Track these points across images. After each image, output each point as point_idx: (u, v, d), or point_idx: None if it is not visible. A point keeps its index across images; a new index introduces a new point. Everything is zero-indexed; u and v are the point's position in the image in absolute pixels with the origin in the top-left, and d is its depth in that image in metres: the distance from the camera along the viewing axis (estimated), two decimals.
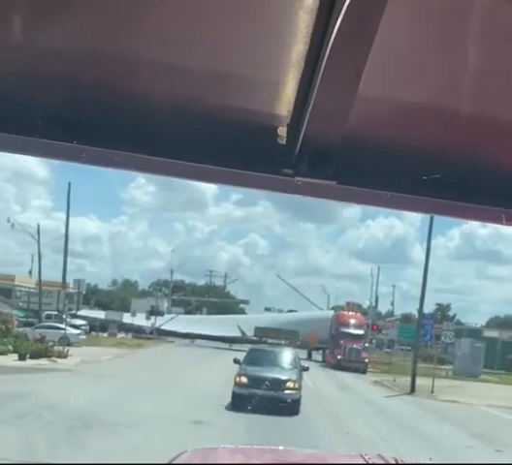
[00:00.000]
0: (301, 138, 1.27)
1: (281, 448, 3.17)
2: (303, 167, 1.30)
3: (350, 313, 48.40)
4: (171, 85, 1.28)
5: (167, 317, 60.41)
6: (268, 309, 70.64)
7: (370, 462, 2.30)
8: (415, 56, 1.26)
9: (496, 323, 68.47)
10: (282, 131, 1.32)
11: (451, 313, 72.55)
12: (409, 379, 31.14)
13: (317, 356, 46.70)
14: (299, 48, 1.19)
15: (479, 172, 1.43)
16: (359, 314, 50.40)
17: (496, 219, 1.50)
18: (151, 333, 54.20)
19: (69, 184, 49.00)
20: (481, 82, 1.29)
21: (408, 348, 40.84)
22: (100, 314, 55.92)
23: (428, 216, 36.45)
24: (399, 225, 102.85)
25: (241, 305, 76.70)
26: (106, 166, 1.39)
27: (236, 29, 1.20)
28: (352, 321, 45.60)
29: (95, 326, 49.20)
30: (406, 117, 1.35)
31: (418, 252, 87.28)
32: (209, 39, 1.21)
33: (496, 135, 1.38)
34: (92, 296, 65.96)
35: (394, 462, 2.32)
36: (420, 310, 35.23)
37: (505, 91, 1.31)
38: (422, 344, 36.21)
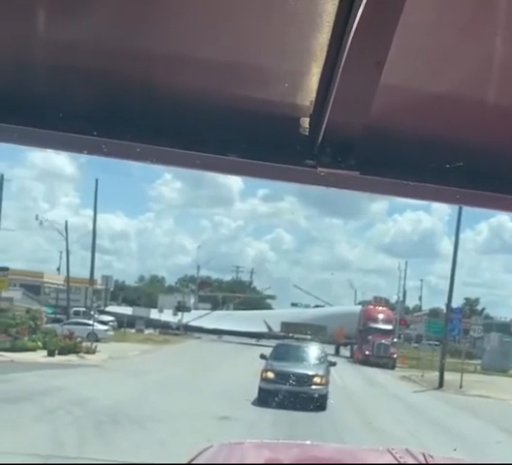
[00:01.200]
0: (323, 128, 1.26)
1: (308, 442, 3.13)
2: (325, 157, 1.29)
3: (378, 308, 47.90)
4: (192, 77, 1.27)
5: (194, 313, 60.68)
6: (294, 304, 70.61)
7: (398, 456, 2.26)
8: (438, 45, 1.24)
9: None
10: (304, 121, 1.30)
11: (479, 307, 71.84)
12: (437, 374, 30.90)
13: (345, 351, 46.37)
14: (320, 38, 1.18)
15: (506, 162, 1.39)
16: (387, 309, 49.98)
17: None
18: (178, 329, 54.45)
19: (96, 181, 49.39)
20: (506, 71, 1.26)
21: (436, 343, 40.52)
22: (127, 310, 56.36)
23: (456, 209, 36.15)
24: (426, 218, 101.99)
25: (268, 300, 76.75)
26: (127, 158, 1.38)
27: (256, 20, 1.20)
28: (380, 316, 45.09)
29: (123, 323, 49.59)
30: (429, 107, 1.33)
31: (446, 246, 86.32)
32: (230, 30, 1.21)
33: None
34: (120, 293, 66.53)
35: (422, 457, 2.29)
36: (448, 304, 34.90)
37: None
38: (450, 339, 35.79)
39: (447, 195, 1.44)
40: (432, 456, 2.32)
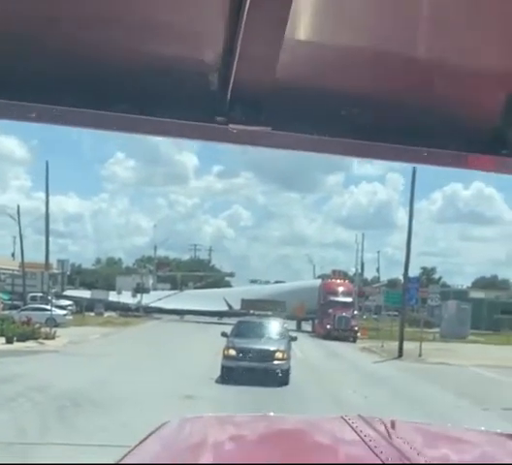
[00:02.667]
0: (230, 85, 1.27)
1: (261, 414, 3.13)
2: (236, 114, 1.30)
3: (338, 281, 48.12)
4: (101, 35, 1.25)
5: (153, 293, 60.45)
6: (254, 281, 70.98)
7: (351, 422, 2.28)
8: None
9: (482, 283, 69.41)
10: (213, 79, 1.31)
11: (436, 276, 73.40)
12: (397, 344, 31.46)
13: (307, 326, 46.70)
14: None
15: (413, 115, 1.42)
16: (347, 281, 50.36)
17: (455, 163, 1.50)
18: (138, 311, 54.23)
19: (47, 163, 48.52)
20: (410, 23, 1.29)
21: (395, 313, 41.17)
22: (85, 294, 55.78)
23: (410, 180, 36.52)
24: (382, 190, 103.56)
25: (228, 278, 76.88)
26: (48, 122, 1.34)
27: None
28: (340, 289, 45.35)
29: (81, 307, 49.11)
30: (336, 61, 1.35)
31: (402, 217, 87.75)
32: None
33: (441, 78, 1.37)
34: (77, 276, 65.67)
35: (374, 421, 2.32)
36: (405, 274, 35.39)
37: (444, 33, 1.30)
38: (408, 308, 36.39)
39: (358, 149, 1.45)
40: (382, 420, 2.36)
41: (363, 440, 2.06)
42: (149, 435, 2.37)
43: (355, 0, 1.26)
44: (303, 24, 1.26)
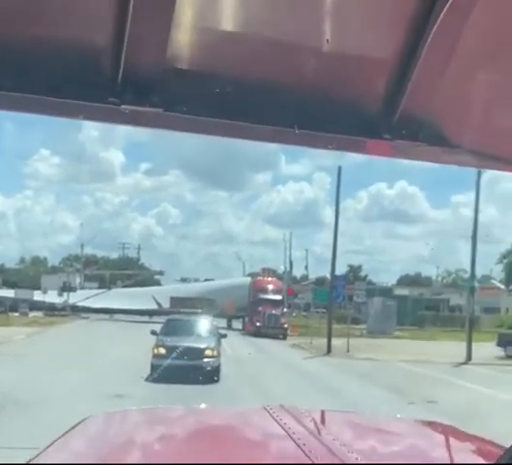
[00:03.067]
0: (122, 67, 1.29)
1: (183, 406, 3.12)
2: (128, 95, 1.31)
3: (267, 279, 48.54)
4: None
5: (81, 292, 59.27)
6: (184, 279, 70.54)
7: (272, 412, 2.31)
8: None
9: (407, 281, 71.29)
10: (105, 61, 1.32)
11: (363, 273, 74.80)
12: (326, 340, 31.96)
13: (237, 324, 46.71)
14: None
15: (317, 100, 1.44)
16: (276, 279, 50.81)
17: (358, 148, 1.54)
18: (64, 310, 53.04)
19: None
20: (305, 12, 1.31)
21: (324, 310, 41.80)
22: (9, 293, 54.13)
23: (336, 179, 37.16)
24: (308, 189, 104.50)
25: (157, 277, 76.19)
26: None
27: None
28: (269, 286, 45.77)
29: (5, 306, 47.64)
30: (229, 45, 1.35)
31: (329, 215, 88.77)
32: None
33: (333, 64, 1.40)
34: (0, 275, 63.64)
35: (295, 410, 2.35)
36: (332, 272, 36.06)
37: (332, 24, 1.34)
38: (336, 305, 37.04)
39: (253, 132, 1.47)
40: (304, 410, 2.40)
41: (284, 430, 2.08)
42: (68, 431, 2.31)
43: None
44: (190, 7, 1.27)
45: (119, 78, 1.31)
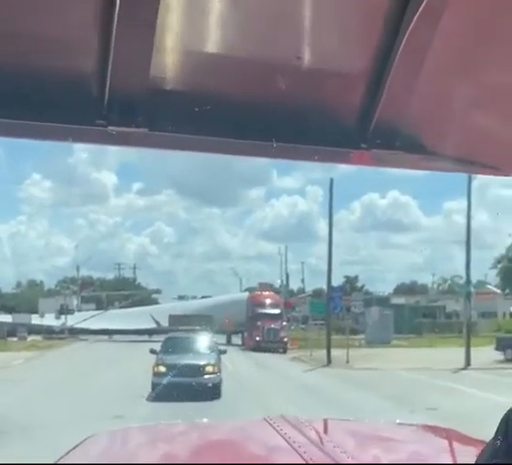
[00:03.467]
0: (107, 89, 1.35)
1: (186, 422, 3.17)
2: (114, 116, 1.38)
3: (265, 293, 48.18)
4: None
5: (78, 314, 59.00)
6: (181, 297, 70.36)
7: (273, 422, 2.32)
8: (209, 4, 1.32)
9: (403, 289, 71.24)
10: (90, 84, 1.38)
11: (359, 284, 74.71)
12: (325, 352, 31.96)
13: (237, 339, 46.35)
14: (94, 2, 1.26)
15: (297, 114, 1.50)
16: (273, 293, 50.54)
17: (335, 159, 1.63)
18: (63, 333, 52.76)
19: None
20: (279, 27, 1.38)
21: (322, 322, 41.73)
22: (7, 318, 53.86)
23: (328, 191, 37.34)
24: (302, 202, 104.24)
25: (154, 295, 75.96)
26: None
27: None
28: (267, 301, 45.48)
29: (2, 331, 47.39)
30: (210, 64, 1.42)
31: (323, 227, 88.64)
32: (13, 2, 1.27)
33: (309, 78, 1.45)
34: None
35: (295, 421, 2.36)
36: (328, 284, 36.14)
37: (305, 36, 1.40)
38: (333, 317, 37.10)
39: (237, 147, 1.54)
40: (305, 420, 2.41)
41: (285, 440, 2.08)
42: (72, 449, 2.32)
43: (219, 5, 1.33)
44: (171, 30, 1.33)
45: (105, 101, 1.37)
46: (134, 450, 2.42)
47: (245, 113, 1.47)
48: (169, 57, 1.38)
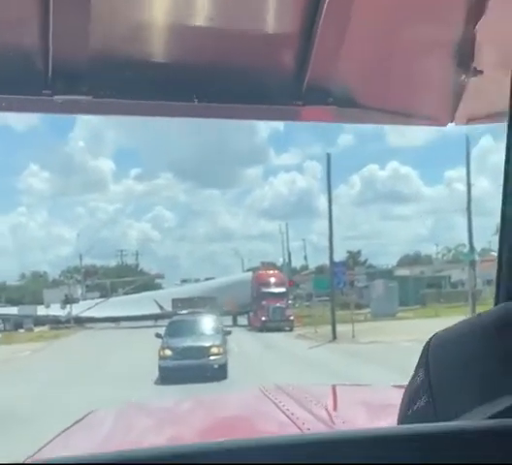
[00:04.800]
0: (50, 59, 1.40)
1: (182, 398, 3.19)
2: (59, 85, 1.43)
3: (269, 272, 47.84)
4: None
5: (83, 303, 59.25)
6: (185, 281, 70.60)
7: (267, 392, 2.39)
8: None
9: (407, 261, 71.22)
10: (34, 55, 1.42)
11: (362, 258, 74.77)
12: (331, 328, 32.04)
13: (243, 320, 46.10)
14: None
15: (240, 75, 1.56)
16: (278, 272, 50.33)
17: (273, 116, 1.69)
18: (69, 322, 53.01)
19: None
20: None
21: (326, 298, 41.74)
22: (12, 310, 54.13)
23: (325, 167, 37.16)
24: (300, 178, 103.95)
25: (157, 280, 76.17)
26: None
27: None
28: (272, 279, 45.04)
29: (9, 324, 47.62)
30: (147, 31, 1.48)
31: (323, 203, 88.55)
32: None
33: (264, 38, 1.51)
34: (1, 294, 63.54)
35: (290, 388, 2.42)
36: (331, 259, 36.05)
37: None
38: (338, 292, 37.03)
39: (189, 110, 1.60)
40: (299, 387, 2.50)
41: (276, 405, 2.13)
42: (72, 425, 2.34)
43: None
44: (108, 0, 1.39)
45: (50, 71, 1.40)
46: (133, 425, 2.44)
47: (183, 76, 1.51)
48: (106, 25, 1.43)
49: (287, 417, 1.99)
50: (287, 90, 1.58)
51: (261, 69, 1.56)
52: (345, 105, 1.61)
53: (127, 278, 74.31)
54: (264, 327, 39.09)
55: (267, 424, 2.29)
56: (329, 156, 37.53)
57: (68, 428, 2.31)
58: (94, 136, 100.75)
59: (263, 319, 40.44)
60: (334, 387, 2.93)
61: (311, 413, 2.05)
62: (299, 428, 1.85)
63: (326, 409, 2.10)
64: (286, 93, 1.58)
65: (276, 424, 2.13)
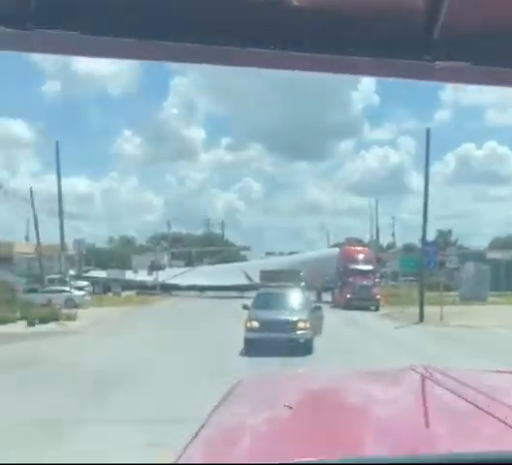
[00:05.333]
0: None
1: (327, 369, 3.20)
2: (43, 19, 1.27)
3: (357, 248, 46.22)
4: None
5: (169, 270, 60.45)
6: (269, 253, 70.80)
7: (421, 373, 2.37)
8: None
9: (499, 244, 68.68)
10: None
11: (453, 238, 72.76)
12: (418, 309, 31.40)
13: (327, 296, 44.75)
14: None
15: (356, 25, 1.33)
16: (366, 248, 48.56)
17: (397, 72, 1.46)
18: (155, 288, 54.25)
19: (57, 143, 48.10)
20: None
21: (412, 278, 40.66)
22: (102, 274, 55.93)
23: (423, 143, 35.98)
24: (393, 154, 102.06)
25: (242, 252, 76.78)
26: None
27: None
28: (360, 256, 43.39)
29: (99, 287, 49.28)
30: None
31: (415, 180, 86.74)
32: None
33: None
34: (92, 257, 65.72)
35: (443, 371, 2.37)
36: (423, 238, 35.00)
37: None
38: (426, 272, 35.89)
39: (335, 63, 1.39)
40: (450, 370, 2.41)
41: (433, 389, 2.13)
42: (228, 395, 2.34)
43: None
44: None
45: (32, 4, 1.27)
46: (295, 395, 2.42)
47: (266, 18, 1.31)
48: None
49: (440, 398, 2.00)
50: (416, 43, 1.36)
51: (385, 17, 1.33)
52: (482, 63, 1.37)
53: (212, 248, 75.29)
54: (348, 305, 37.92)
55: (420, 405, 2.20)
56: (428, 131, 36.22)
57: (225, 398, 2.30)
58: (187, 103, 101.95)
59: (348, 296, 39.17)
60: (484, 372, 2.81)
61: (463, 398, 1.96)
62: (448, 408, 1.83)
63: (477, 393, 2.00)
64: (413, 46, 1.35)
65: (432, 405, 2.07)
